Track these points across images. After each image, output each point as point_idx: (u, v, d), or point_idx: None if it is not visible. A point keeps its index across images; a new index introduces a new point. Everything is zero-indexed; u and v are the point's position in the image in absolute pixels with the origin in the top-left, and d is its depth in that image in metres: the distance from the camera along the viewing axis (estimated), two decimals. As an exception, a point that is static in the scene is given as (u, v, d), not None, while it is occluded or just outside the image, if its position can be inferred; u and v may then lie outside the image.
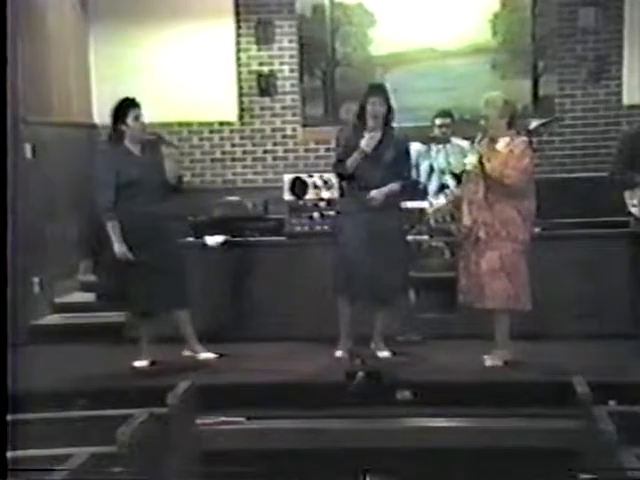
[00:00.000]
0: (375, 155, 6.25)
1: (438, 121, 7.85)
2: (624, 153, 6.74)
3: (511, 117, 6.06)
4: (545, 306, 6.45)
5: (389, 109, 6.29)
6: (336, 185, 6.89)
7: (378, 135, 6.27)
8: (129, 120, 6.15)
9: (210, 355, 6.38)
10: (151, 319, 6.33)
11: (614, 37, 8.84)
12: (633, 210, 6.63)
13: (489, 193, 5.97)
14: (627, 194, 6.66)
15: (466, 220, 6.07)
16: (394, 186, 6.28)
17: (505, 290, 5.96)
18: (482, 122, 6.06)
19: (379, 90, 6.37)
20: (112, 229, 6.14)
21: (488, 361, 6.10)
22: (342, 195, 6.67)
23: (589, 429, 4.48)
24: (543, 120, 8.26)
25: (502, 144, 5.98)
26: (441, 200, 7.16)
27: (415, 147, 7.86)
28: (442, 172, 7.75)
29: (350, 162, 6.25)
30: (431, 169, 7.83)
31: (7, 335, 6.19)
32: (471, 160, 6.05)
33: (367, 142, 6.22)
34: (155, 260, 6.13)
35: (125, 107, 6.17)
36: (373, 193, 6.22)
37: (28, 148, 7.49)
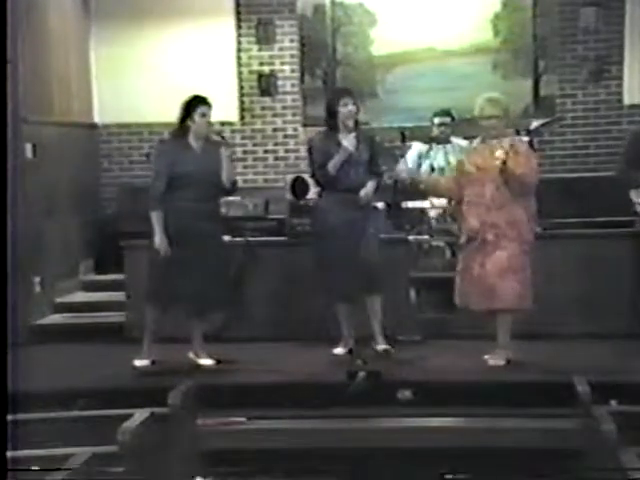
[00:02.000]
0: (355, 155, 6.37)
1: (437, 120, 7.85)
2: (630, 153, 6.74)
3: (507, 117, 6.09)
4: (548, 306, 6.45)
5: (357, 109, 6.45)
6: (316, 189, 6.89)
7: (352, 136, 6.38)
8: (196, 116, 6.21)
9: (209, 361, 6.38)
10: (162, 316, 6.31)
11: (615, 37, 8.84)
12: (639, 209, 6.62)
13: (498, 194, 5.95)
14: (633, 193, 6.65)
15: (473, 223, 6.02)
16: (374, 184, 6.43)
17: (514, 290, 5.95)
18: (485, 122, 6.03)
19: (348, 92, 6.60)
20: (156, 219, 6.17)
21: (491, 361, 6.09)
22: (320, 196, 6.67)
23: (590, 429, 4.48)
24: (544, 120, 8.26)
25: (505, 144, 5.96)
26: (442, 201, 7.15)
27: (416, 147, 7.87)
28: (442, 171, 7.76)
29: (333, 164, 6.33)
30: (432, 169, 7.82)
31: (7, 335, 6.20)
32: (500, 157, 5.91)
33: (349, 141, 6.35)
34: (196, 258, 6.14)
35: (194, 103, 6.23)
36: (364, 191, 6.35)
37: (28, 148, 7.49)
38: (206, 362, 6.38)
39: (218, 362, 6.38)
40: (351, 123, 6.38)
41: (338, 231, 6.34)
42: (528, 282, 6.01)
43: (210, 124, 6.32)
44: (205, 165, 6.20)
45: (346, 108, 6.37)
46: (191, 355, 6.41)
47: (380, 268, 6.41)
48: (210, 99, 6.29)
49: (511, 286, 5.95)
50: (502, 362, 6.06)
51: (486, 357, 6.11)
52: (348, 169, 6.36)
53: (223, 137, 6.51)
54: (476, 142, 6.22)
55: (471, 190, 6.06)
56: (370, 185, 6.39)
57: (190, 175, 6.14)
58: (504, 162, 5.84)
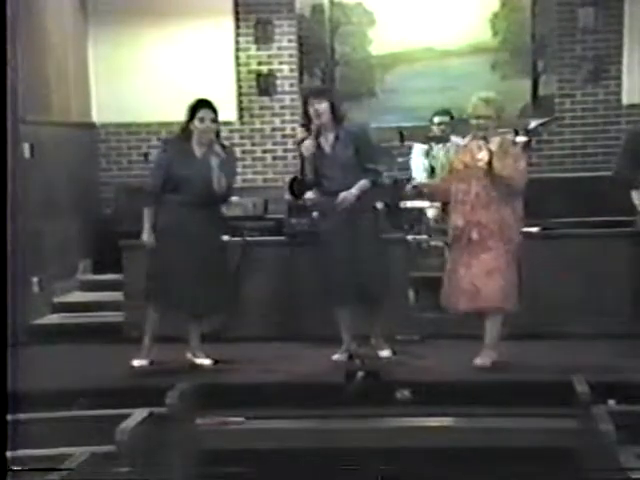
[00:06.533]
0: (332, 156, 6.14)
1: (437, 119, 7.85)
2: (628, 152, 6.72)
3: (500, 118, 6.05)
4: (547, 306, 6.45)
5: (333, 107, 6.14)
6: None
7: (331, 135, 6.15)
8: (195, 120, 6.14)
9: (207, 361, 6.37)
10: (163, 317, 6.30)
11: (613, 37, 8.85)
12: None
13: (485, 193, 5.91)
14: (634, 194, 6.62)
15: (458, 221, 5.97)
16: (364, 184, 6.14)
17: (499, 290, 5.88)
18: (476, 122, 5.96)
19: (316, 92, 6.45)
20: (147, 215, 6.21)
21: (478, 361, 6.03)
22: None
23: (588, 428, 4.48)
24: (542, 120, 8.27)
25: (494, 144, 5.92)
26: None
27: (415, 147, 7.87)
28: (442, 170, 7.75)
29: (306, 168, 6.16)
30: (432, 169, 7.82)
31: (7, 335, 6.19)
32: (483, 158, 5.90)
33: (305, 146, 6.13)
34: (193, 260, 6.14)
35: (195, 107, 6.14)
36: (342, 195, 6.09)
37: (26, 147, 7.49)
38: (204, 362, 6.37)
39: (216, 362, 6.38)
40: (318, 123, 6.08)
41: (329, 235, 6.19)
42: (514, 282, 5.94)
43: (210, 128, 6.15)
44: (202, 171, 6.11)
45: (311, 108, 6.11)
46: (189, 355, 6.41)
47: (379, 276, 6.25)
48: (214, 104, 6.18)
49: (497, 286, 5.87)
50: (488, 363, 6.01)
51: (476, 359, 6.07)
52: (326, 171, 6.14)
53: (224, 145, 6.33)
54: (466, 140, 6.18)
55: (458, 188, 5.99)
56: (357, 186, 6.09)
57: (187, 180, 6.11)
58: (489, 163, 5.80)
